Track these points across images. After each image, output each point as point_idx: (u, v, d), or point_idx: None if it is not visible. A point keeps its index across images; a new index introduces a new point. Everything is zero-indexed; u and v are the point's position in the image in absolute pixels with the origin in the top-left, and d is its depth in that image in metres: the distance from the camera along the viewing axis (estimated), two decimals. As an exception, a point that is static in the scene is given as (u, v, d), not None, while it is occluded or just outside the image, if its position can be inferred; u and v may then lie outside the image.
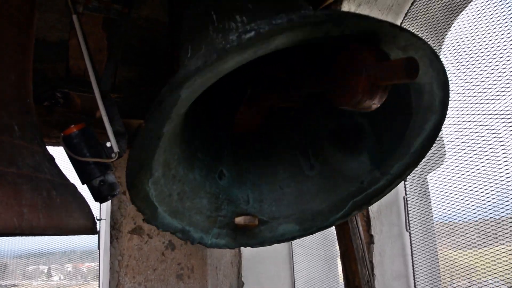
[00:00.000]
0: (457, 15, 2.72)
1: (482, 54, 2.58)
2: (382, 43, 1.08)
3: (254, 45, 0.90)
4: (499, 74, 2.51)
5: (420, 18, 2.85)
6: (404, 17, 2.91)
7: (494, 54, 2.52)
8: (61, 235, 1.25)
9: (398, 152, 1.37)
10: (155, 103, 1.05)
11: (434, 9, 2.78)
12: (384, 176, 1.43)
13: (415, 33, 1.05)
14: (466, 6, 2.66)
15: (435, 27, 2.82)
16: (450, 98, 1.23)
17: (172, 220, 1.40)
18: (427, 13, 2.82)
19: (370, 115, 1.33)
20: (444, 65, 1.14)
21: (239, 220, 1.47)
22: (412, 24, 2.89)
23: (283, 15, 0.87)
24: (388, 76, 1.03)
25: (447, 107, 1.25)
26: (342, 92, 1.16)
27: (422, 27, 2.87)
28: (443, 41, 2.85)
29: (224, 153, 1.64)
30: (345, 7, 2.61)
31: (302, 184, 1.55)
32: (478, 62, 2.59)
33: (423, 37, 2.86)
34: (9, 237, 1.35)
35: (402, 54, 1.09)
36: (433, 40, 2.84)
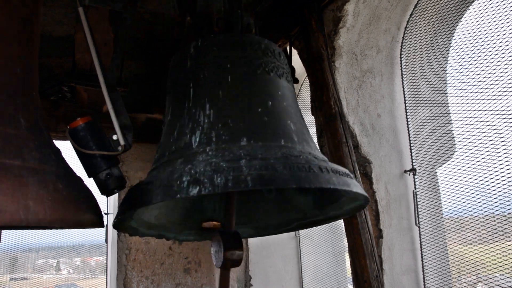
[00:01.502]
0: (468, 6, 2.67)
1: (494, 46, 2.54)
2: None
3: (198, 195, 1.19)
4: (511, 66, 2.46)
5: (430, 9, 2.81)
6: (414, 8, 2.86)
7: (506, 46, 2.47)
8: (68, 228, 1.25)
9: (333, 206, 1.70)
10: (121, 208, 1.35)
11: (445, 0, 2.73)
12: (322, 215, 1.76)
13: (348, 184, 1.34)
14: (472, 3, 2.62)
15: (446, 18, 2.77)
16: (369, 200, 1.55)
17: (149, 231, 1.71)
18: (437, 4, 2.77)
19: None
20: (366, 195, 1.47)
21: (206, 224, 1.78)
22: (422, 16, 2.84)
23: (224, 168, 1.19)
24: None
25: (368, 203, 1.55)
26: None
27: (432, 18, 2.82)
28: (454, 33, 2.80)
29: None
30: (354, -1, 2.58)
31: (262, 203, 1.87)
32: (490, 54, 2.54)
33: (433, 29, 2.82)
34: (15, 230, 1.35)
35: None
36: (443, 31, 2.80)
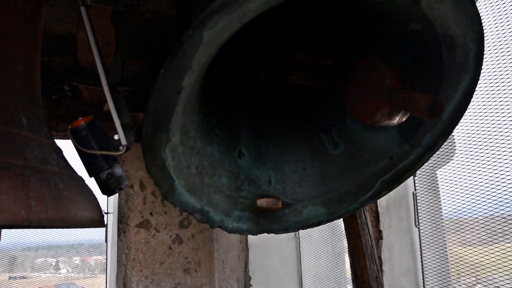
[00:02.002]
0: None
1: (494, 48, 2.54)
2: None
3: None
4: (511, 69, 2.47)
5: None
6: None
7: (507, 48, 2.48)
8: (69, 227, 1.25)
9: (428, 122, 1.29)
10: (176, 46, 1.00)
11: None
12: (415, 150, 1.35)
13: None
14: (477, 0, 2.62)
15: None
16: (484, 47, 1.12)
17: (190, 197, 1.33)
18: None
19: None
20: (477, 9, 1.04)
21: (262, 202, 1.40)
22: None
23: None
24: (410, 108, 0.99)
25: (482, 63, 1.14)
26: (362, 110, 1.13)
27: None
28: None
29: (242, 132, 1.57)
30: None
31: (327, 164, 1.48)
32: (491, 56, 2.55)
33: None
34: (16, 229, 1.35)
35: (433, 4, 1.01)
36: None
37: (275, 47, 1.46)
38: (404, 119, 1.08)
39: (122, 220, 3.07)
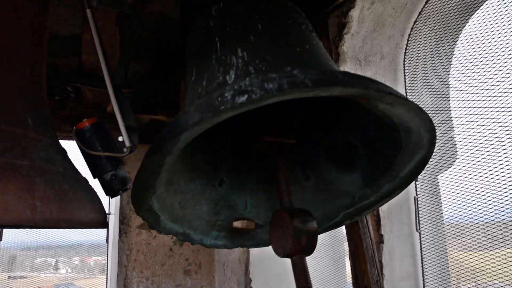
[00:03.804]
0: (472, 14, 2.69)
1: (496, 54, 2.55)
2: (371, 100, 1.17)
3: (246, 106, 0.97)
4: (513, 75, 2.47)
5: (434, 17, 2.82)
6: (418, 16, 2.88)
7: (509, 54, 2.48)
8: (73, 228, 1.26)
9: (387, 175, 1.44)
10: (156, 143, 1.11)
11: (449, 7, 2.75)
12: (374, 194, 1.51)
13: (398, 92, 1.11)
14: (481, 5, 2.63)
15: (449, 26, 2.79)
16: (436, 136, 1.29)
17: (174, 225, 1.46)
18: (441, 12, 2.79)
19: (363, 139, 1.48)
20: (428, 115, 1.20)
21: (237, 224, 1.56)
22: (426, 23, 2.86)
23: (274, 77, 0.94)
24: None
25: (434, 145, 1.31)
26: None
27: (435, 26, 2.83)
28: (457, 40, 2.81)
29: (225, 160, 1.68)
30: (359, 4, 2.59)
31: (298, 193, 1.61)
32: (493, 62, 2.56)
33: (437, 36, 2.84)
34: (21, 229, 1.36)
35: (389, 107, 1.18)
36: (447, 38, 2.81)
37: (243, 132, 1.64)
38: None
39: (123, 221, 3.08)
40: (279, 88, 0.92)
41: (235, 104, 0.94)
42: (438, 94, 2.82)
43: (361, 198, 1.54)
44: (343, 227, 2.20)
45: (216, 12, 1.47)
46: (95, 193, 1.44)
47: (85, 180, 1.43)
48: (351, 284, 2.16)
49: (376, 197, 1.51)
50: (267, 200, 1.68)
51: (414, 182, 2.85)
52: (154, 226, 1.42)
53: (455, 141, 2.73)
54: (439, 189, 2.86)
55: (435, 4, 2.77)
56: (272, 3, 1.48)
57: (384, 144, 1.41)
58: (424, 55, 2.90)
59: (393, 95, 1.06)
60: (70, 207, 1.23)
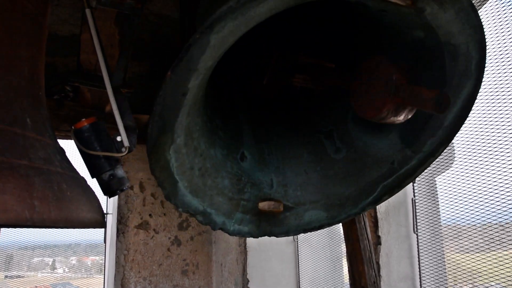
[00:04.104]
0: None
1: (495, 59, 2.56)
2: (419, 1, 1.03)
3: None
4: (511, 78, 2.49)
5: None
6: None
7: (507, 58, 2.50)
8: (71, 228, 1.26)
9: (430, 127, 1.30)
10: (183, 49, 1.02)
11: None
12: (416, 155, 1.35)
13: None
14: (479, 9, 2.64)
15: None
16: (486, 55, 1.14)
17: (193, 198, 1.33)
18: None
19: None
20: (480, 20, 1.05)
21: (263, 205, 1.40)
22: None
23: None
24: (417, 103, 1.00)
25: (483, 71, 1.15)
26: (368, 106, 1.14)
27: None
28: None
29: (245, 135, 1.58)
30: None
31: (328, 168, 1.48)
32: (492, 66, 2.57)
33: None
34: (19, 228, 1.36)
35: (437, 8, 1.03)
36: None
37: (280, 50, 1.46)
38: (410, 116, 1.09)
39: (121, 221, 3.08)
40: None
41: None
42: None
43: (401, 162, 1.38)
44: (341, 228, 2.21)
45: None
46: (94, 193, 1.44)
47: (83, 180, 1.43)
48: (349, 285, 2.17)
49: (418, 160, 1.35)
50: (295, 178, 1.52)
51: (412, 183, 2.86)
52: (171, 195, 1.29)
53: (453, 143, 2.74)
54: (436, 191, 2.87)
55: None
56: None
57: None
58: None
59: None
60: (69, 207, 1.23)
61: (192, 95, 1.13)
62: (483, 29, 1.07)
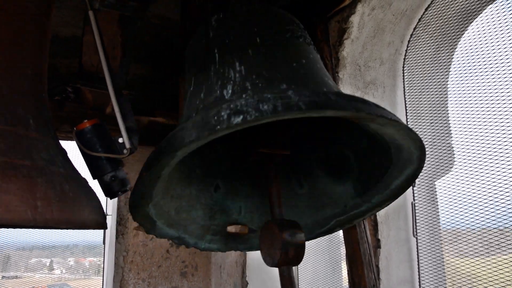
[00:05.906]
0: (471, 22, 2.71)
1: (495, 62, 2.57)
2: (363, 121, 1.25)
3: (241, 125, 1.02)
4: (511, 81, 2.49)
5: (433, 24, 2.84)
6: (418, 23, 2.90)
7: (507, 62, 2.51)
8: (73, 229, 1.26)
9: (378, 186, 1.50)
10: (153, 156, 1.15)
11: (448, 15, 2.77)
12: (365, 204, 1.57)
13: (390, 113, 1.15)
14: (480, 13, 2.65)
15: (448, 33, 2.81)
16: (425, 153, 1.33)
17: (169, 230, 1.50)
18: (441, 19, 2.81)
19: (356, 151, 1.55)
20: (418, 135, 1.25)
21: (231, 228, 1.60)
22: (426, 30, 2.88)
23: (269, 98, 0.99)
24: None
25: (424, 162, 1.35)
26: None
27: (435, 32, 2.86)
28: (456, 47, 2.83)
29: (222, 165, 1.71)
30: (359, 10, 2.61)
31: (292, 200, 1.67)
32: (492, 69, 2.58)
33: (436, 42, 2.86)
34: (20, 228, 1.36)
35: (380, 128, 1.23)
36: (446, 45, 2.83)
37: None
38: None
39: (120, 222, 3.08)
40: (273, 110, 0.98)
41: (230, 124, 0.99)
42: (437, 100, 2.84)
43: (352, 207, 1.60)
44: (341, 232, 2.21)
45: (216, 22, 1.49)
46: (95, 194, 1.45)
47: (85, 181, 1.43)
48: (348, 289, 2.16)
49: (366, 207, 1.57)
50: (261, 206, 1.71)
51: (411, 187, 2.86)
52: (150, 231, 1.46)
53: (452, 147, 2.75)
54: (436, 195, 2.87)
55: (435, 12, 2.79)
56: (272, 14, 1.52)
57: (375, 158, 1.46)
58: (423, 62, 2.92)
59: (384, 117, 1.10)
60: (70, 208, 1.23)
61: (167, 174, 1.27)
62: (421, 140, 1.27)
